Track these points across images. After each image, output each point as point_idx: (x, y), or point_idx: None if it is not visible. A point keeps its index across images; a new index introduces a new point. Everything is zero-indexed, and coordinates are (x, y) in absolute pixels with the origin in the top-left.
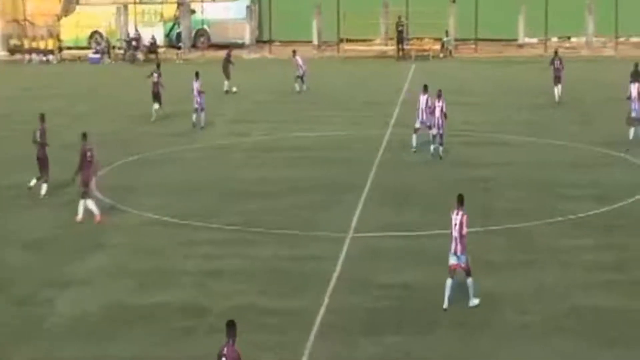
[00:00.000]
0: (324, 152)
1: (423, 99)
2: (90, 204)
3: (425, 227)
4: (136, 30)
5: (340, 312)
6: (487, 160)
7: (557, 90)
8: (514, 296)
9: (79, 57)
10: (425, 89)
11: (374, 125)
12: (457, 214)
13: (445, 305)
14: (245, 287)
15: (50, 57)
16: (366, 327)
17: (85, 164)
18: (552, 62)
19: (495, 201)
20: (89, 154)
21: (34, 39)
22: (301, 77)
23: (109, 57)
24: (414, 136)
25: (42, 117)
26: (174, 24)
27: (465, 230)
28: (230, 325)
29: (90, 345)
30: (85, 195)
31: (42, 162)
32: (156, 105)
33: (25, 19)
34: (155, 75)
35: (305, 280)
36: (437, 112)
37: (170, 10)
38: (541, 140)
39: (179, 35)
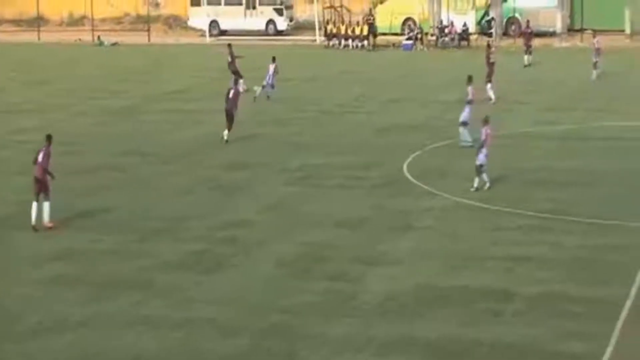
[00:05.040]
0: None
1: None
2: None
3: None
4: (448, 17)
5: None
6: None
7: None
8: None
9: (393, 44)
10: None
11: None
12: None
13: None
14: (551, 274)
15: (365, 43)
16: None
17: None
18: None
19: None
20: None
21: (349, 25)
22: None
23: (422, 44)
24: None
25: None
26: (485, 12)
27: None
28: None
29: (400, 323)
30: None
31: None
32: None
33: (341, 5)
34: None
35: (610, 270)
36: None
37: None
38: None
39: (489, 22)
